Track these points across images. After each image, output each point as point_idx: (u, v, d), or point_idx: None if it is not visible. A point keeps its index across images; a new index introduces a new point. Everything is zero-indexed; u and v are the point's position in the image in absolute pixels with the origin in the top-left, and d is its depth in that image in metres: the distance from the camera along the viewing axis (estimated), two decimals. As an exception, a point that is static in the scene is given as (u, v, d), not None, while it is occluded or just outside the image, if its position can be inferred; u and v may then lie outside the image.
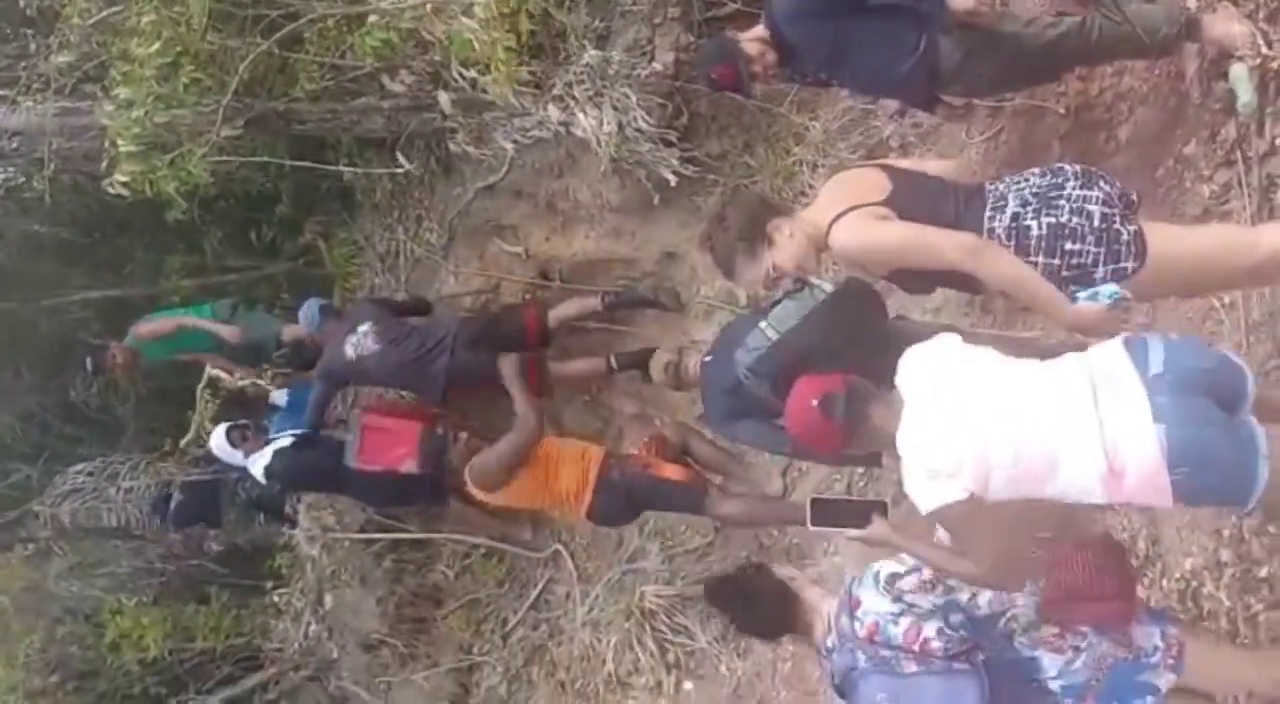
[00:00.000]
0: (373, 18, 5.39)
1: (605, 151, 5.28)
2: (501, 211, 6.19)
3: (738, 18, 4.98)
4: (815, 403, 2.71)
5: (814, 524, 2.99)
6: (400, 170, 6.09)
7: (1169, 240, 2.95)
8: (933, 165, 3.54)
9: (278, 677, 6.90)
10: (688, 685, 5.14)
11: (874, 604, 2.75)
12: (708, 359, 4.05)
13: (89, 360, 7.27)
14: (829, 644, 2.85)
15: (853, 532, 2.92)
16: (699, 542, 5.52)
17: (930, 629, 2.69)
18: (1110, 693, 2.72)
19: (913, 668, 2.67)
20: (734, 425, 4.02)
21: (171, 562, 8.24)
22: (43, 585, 7.81)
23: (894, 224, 3.01)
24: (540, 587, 6.29)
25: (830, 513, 3.01)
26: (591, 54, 5.22)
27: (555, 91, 5.33)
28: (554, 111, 5.34)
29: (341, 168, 6.02)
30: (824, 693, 3.89)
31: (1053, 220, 2.89)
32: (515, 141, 5.59)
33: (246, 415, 7.71)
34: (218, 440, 6.43)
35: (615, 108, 5.18)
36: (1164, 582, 3.74)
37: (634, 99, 5.16)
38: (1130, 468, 2.48)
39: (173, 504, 7.51)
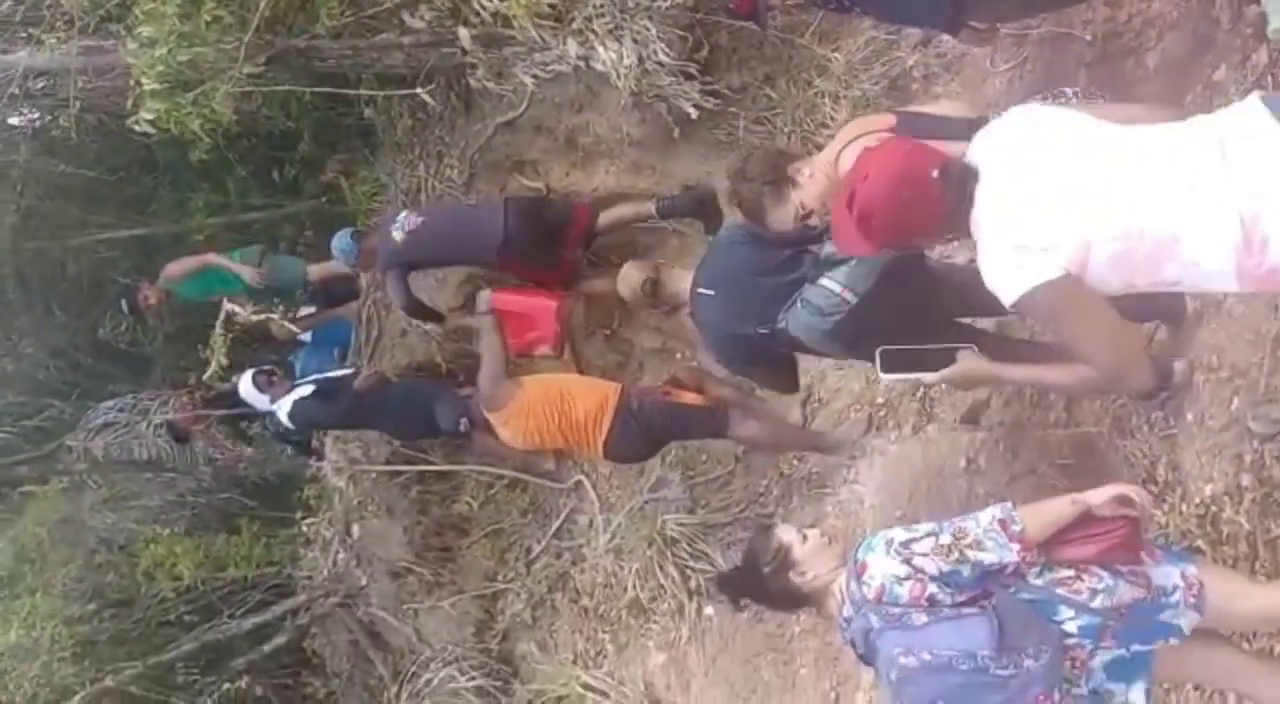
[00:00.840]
0: (392, -49, 5.41)
1: (625, 85, 5.30)
2: (522, 147, 6.22)
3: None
4: (935, 174, 2.50)
5: (885, 372, 2.96)
6: (421, 105, 6.13)
7: None
8: (942, 106, 3.59)
9: (308, 603, 7.09)
10: (709, 611, 5.26)
11: (881, 567, 2.69)
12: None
13: (123, 300, 7.41)
14: (845, 614, 2.82)
15: (929, 376, 2.92)
16: (720, 471, 5.61)
17: (933, 586, 2.64)
18: (1130, 633, 2.70)
19: (923, 619, 2.64)
20: (751, 368, 4.04)
21: (202, 495, 8.49)
22: (77, 517, 8.06)
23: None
24: (563, 516, 6.40)
25: (902, 361, 2.93)
26: (612, -15, 5.21)
27: (575, 25, 5.34)
28: (574, 46, 5.36)
29: (364, 92, 6.04)
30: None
31: None
32: (535, 76, 5.63)
33: (274, 353, 7.89)
34: (245, 385, 6.64)
35: (635, 41, 5.19)
36: (1184, 507, 3.77)
37: (654, 32, 5.17)
38: (1274, 238, 2.18)
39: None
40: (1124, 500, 2.66)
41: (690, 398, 4.96)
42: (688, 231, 5.73)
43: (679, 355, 5.80)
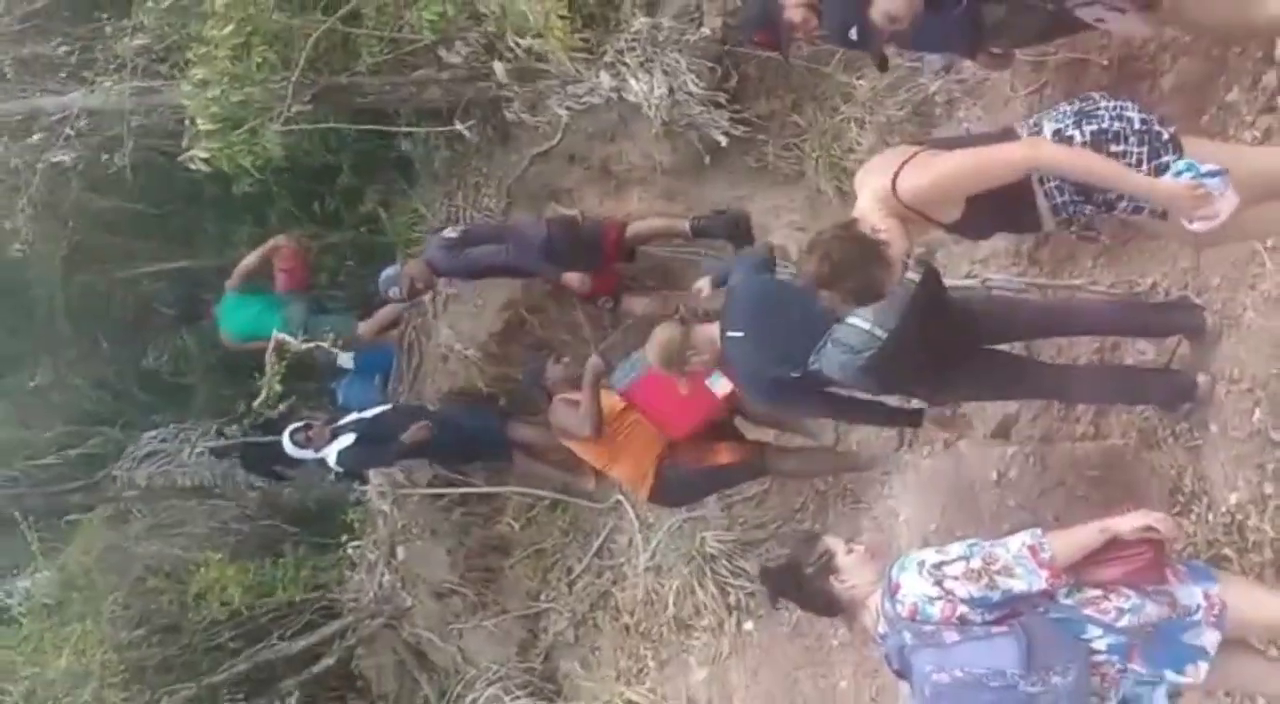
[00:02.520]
0: (427, -5, 5.60)
1: (657, 115, 5.48)
2: (557, 176, 6.39)
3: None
4: None
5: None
6: (459, 138, 6.32)
7: (1205, 144, 3.14)
8: None
9: (354, 625, 7.23)
10: (748, 625, 5.38)
11: (913, 587, 2.80)
12: (736, 335, 3.87)
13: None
14: (881, 630, 2.94)
15: None
16: (756, 489, 5.73)
17: (964, 607, 2.75)
18: (1161, 657, 2.80)
19: (954, 637, 2.74)
20: (785, 404, 4.13)
21: (245, 522, 8.65)
22: (123, 545, 8.23)
23: (949, 154, 3.22)
24: (603, 535, 6.54)
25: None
26: (642, 21, 5.42)
27: (607, 58, 5.53)
28: (606, 78, 5.54)
29: (405, 128, 6.20)
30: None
31: (1095, 127, 3.13)
32: (569, 108, 5.80)
33: (317, 382, 8.07)
34: (287, 444, 6.81)
35: (666, 72, 5.37)
36: (1210, 516, 3.87)
37: (684, 63, 5.35)
38: None
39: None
40: (1150, 527, 2.78)
41: (724, 455, 5.03)
42: (721, 256, 5.88)
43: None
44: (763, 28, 4.30)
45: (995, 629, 2.74)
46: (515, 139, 6.39)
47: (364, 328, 7.29)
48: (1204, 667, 2.82)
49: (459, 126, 5.89)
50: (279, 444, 7.04)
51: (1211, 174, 3.00)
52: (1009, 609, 2.77)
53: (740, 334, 3.87)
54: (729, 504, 5.77)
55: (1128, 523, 2.79)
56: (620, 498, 6.44)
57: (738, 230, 5.64)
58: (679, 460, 4.99)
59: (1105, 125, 3.13)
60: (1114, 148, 3.09)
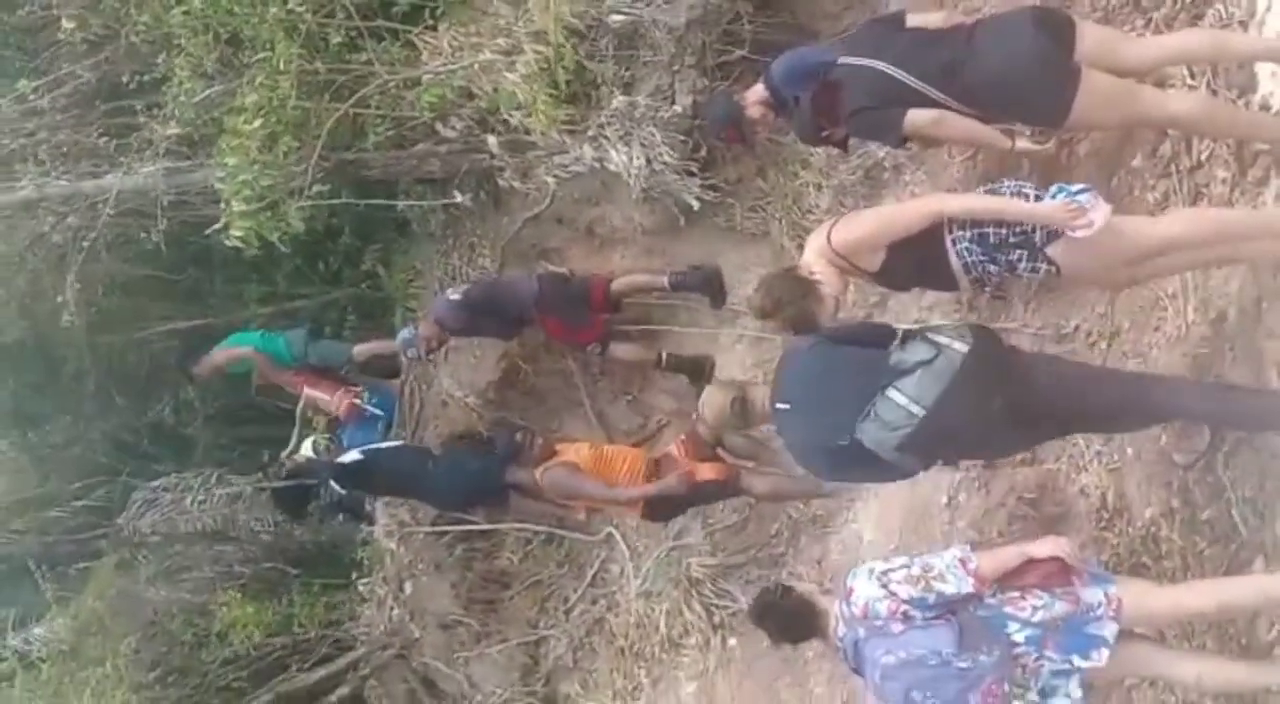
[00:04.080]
0: (428, 77, 6.23)
1: (636, 182, 6.06)
2: (546, 237, 6.96)
3: (744, 62, 5.76)
4: None
5: None
6: (455, 204, 6.92)
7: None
8: None
9: (367, 656, 7.72)
10: (732, 641, 5.93)
11: (864, 590, 3.38)
12: (784, 406, 3.74)
13: (183, 364, 8.12)
14: (839, 632, 3.49)
15: None
16: (735, 518, 6.29)
17: (906, 606, 3.32)
18: (1069, 646, 3.36)
19: (900, 627, 3.32)
20: (845, 472, 3.97)
21: (248, 565, 9.08)
22: (133, 590, 8.56)
23: (868, 210, 3.90)
24: (596, 566, 7.06)
25: None
26: (620, 99, 6.01)
27: (590, 132, 6.11)
28: (589, 149, 6.13)
29: (410, 202, 6.80)
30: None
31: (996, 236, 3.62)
32: (556, 176, 6.37)
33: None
34: (307, 451, 7.28)
35: (643, 145, 5.96)
36: (1129, 529, 4.45)
37: (658, 137, 5.94)
38: None
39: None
40: (1057, 552, 3.37)
41: (706, 472, 5.67)
42: (697, 307, 6.47)
43: (693, 415, 6.49)
44: (728, 126, 4.95)
45: (933, 621, 3.32)
46: (507, 204, 6.96)
47: (358, 350, 7.73)
48: (1106, 653, 3.37)
49: (457, 196, 6.47)
50: (304, 487, 7.57)
51: (1081, 191, 3.52)
52: (944, 608, 3.34)
53: (787, 406, 3.74)
54: (711, 532, 6.33)
55: (1041, 549, 3.39)
56: (611, 530, 6.98)
57: (711, 284, 6.20)
58: (667, 471, 5.64)
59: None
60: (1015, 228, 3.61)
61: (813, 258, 3.78)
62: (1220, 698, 3.72)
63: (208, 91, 5.91)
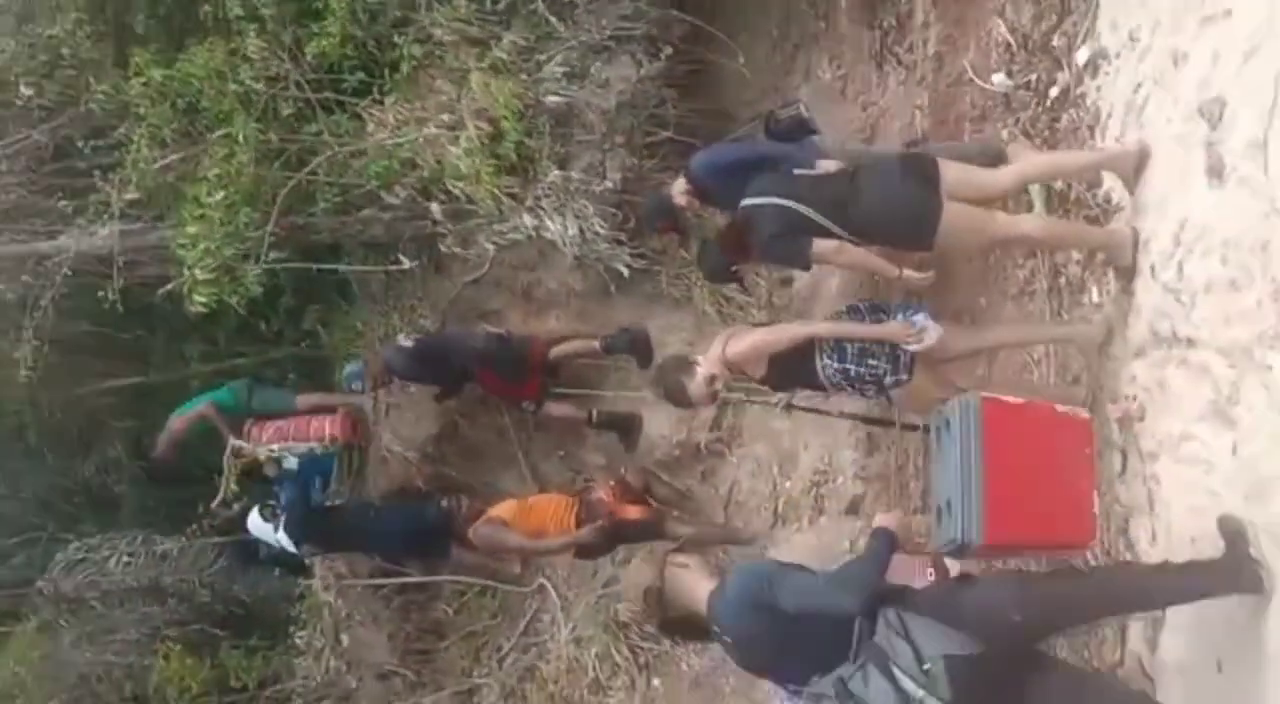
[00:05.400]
0: (375, 148, 6.65)
1: (570, 250, 6.52)
2: (485, 299, 7.37)
3: (669, 143, 6.28)
4: None
5: None
6: (398, 267, 7.30)
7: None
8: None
9: (303, 708, 7.89)
10: (656, 682, 6.27)
11: None
12: (725, 637, 3.67)
13: (145, 460, 8.28)
14: None
15: None
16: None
17: None
18: None
19: None
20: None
21: (175, 627, 9.13)
22: (57, 654, 8.54)
23: (756, 329, 4.66)
24: (529, 616, 7.34)
25: None
26: (556, 173, 6.47)
27: (528, 203, 6.55)
28: (527, 219, 6.56)
29: (357, 267, 7.22)
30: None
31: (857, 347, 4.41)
32: (495, 242, 6.79)
33: (261, 483, 8.75)
34: (254, 519, 7.45)
35: (576, 216, 6.43)
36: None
37: (591, 209, 6.42)
38: None
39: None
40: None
41: (632, 512, 6.11)
42: (627, 366, 6.91)
43: (622, 468, 6.88)
44: (662, 219, 5.66)
45: None
46: (448, 268, 7.36)
47: (302, 400, 7.89)
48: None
49: (403, 260, 6.86)
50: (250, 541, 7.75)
51: (915, 313, 4.40)
52: None
53: (729, 640, 3.69)
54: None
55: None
56: (544, 581, 7.29)
57: (638, 345, 6.64)
58: (594, 509, 6.07)
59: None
60: (870, 361, 4.42)
61: (709, 365, 4.50)
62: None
63: (167, 159, 6.23)
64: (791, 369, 4.51)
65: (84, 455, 9.61)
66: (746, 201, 4.59)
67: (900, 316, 4.43)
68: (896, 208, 4.30)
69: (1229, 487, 3.63)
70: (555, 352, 6.89)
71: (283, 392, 8.38)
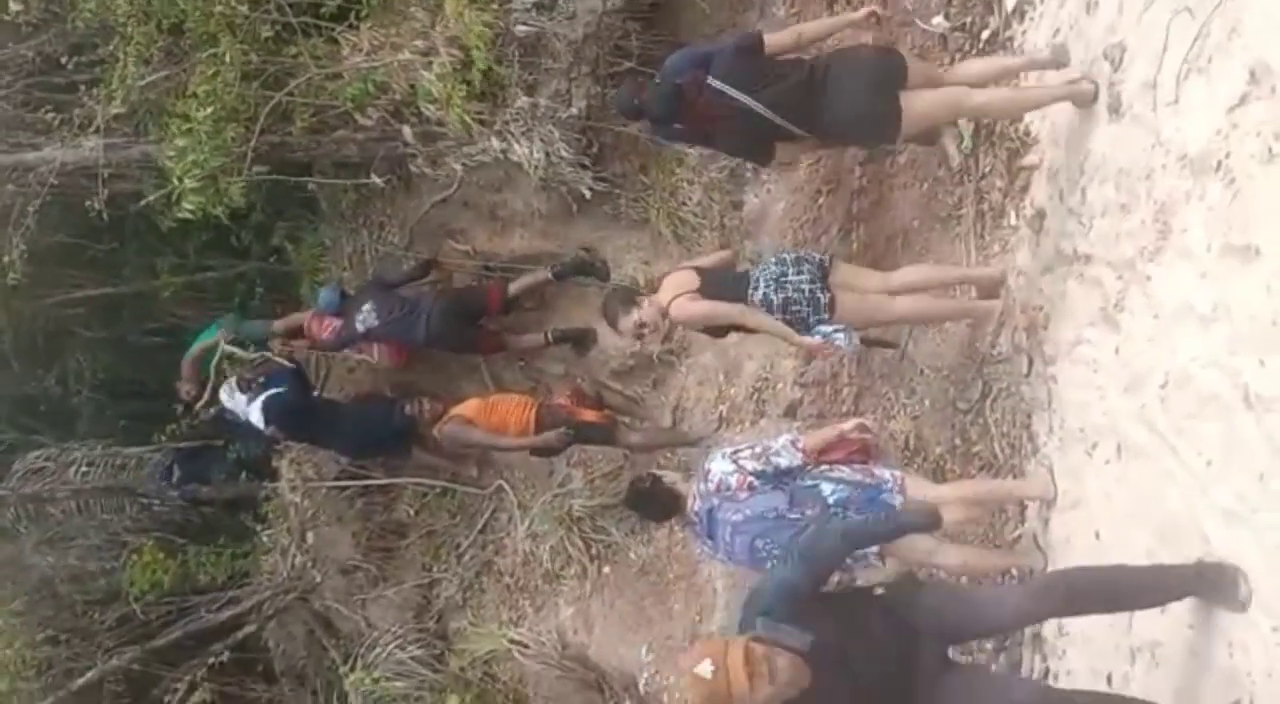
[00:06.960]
0: (350, 71, 7.00)
1: (535, 173, 6.90)
2: (452, 218, 7.75)
3: (631, 73, 6.70)
4: None
5: None
6: (366, 184, 7.66)
7: (851, 302, 4.88)
8: (715, 258, 5.55)
9: (271, 599, 8.37)
10: (606, 569, 6.87)
11: (719, 468, 4.45)
12: None
13: (179, 406, 8.40)
14: (695, 507, 4.51)
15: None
16: (611, 467, 7.24)
17: (751, 477, 4.40)
18: (865, 506, 4.39)
19: (745, 494, 4.38)
20: None
21: (135, 534, 9.48)
22: (19, 559, 8.96)
23: (701, 303, 4.96)
24: (487, 516, 7.89)
25: None
26: (524, 99, 6.84)
27: (496, 127, 6.90)
28: (495, 142, 6.92)
29: (334, 181, 7.56)
30: (699, 552, 5.61)
31: (784, 295, 4.85)
32: (464, 164, 7.13)
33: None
34: (226, 390, 7.71)
35: (542, 140, 6.81)
36: (924, 462, 5.55)
37: (556, 134, 6.80)
38: None
39: (175, 471, 8.91)
40: (862, 428, 4.50)
41: (588, 415, 6.63)
42: (583, 289, 7.36)
43: (579, 378, 7.39)
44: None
45: (770, 489, 4.39)
46: (417, 188, 7.71)
47: (278, 325, 8.19)
48: (890, 511, 4.38)
49: (374, 178, 7.24)
50: (211, 451, 8.11)
51: (837, 331, 4.84)
52: (779, 479, 4.42)
53: None
54: (591, 479, 7.25)
55: (849, 424, 4.57)
56: (501, 483, 7.82)
57: (590, 266, 7.13)
58: (554, 415, 6.57)
59: (789, 293, 4.84)
60: (793, 308, 4.84)
61: (649, 310, 5.05)
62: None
63: (152, 77, 6.56)
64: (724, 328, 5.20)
65: (48, 366, 9.80)
66: (714, 82, 4.79)
67: (819, 335, 4.87)
68: (863, 114, 4.70)
69: (1112, 382, 4.26)
70: (514, 287, 7.32)
71: (261, 321, 8.54)
